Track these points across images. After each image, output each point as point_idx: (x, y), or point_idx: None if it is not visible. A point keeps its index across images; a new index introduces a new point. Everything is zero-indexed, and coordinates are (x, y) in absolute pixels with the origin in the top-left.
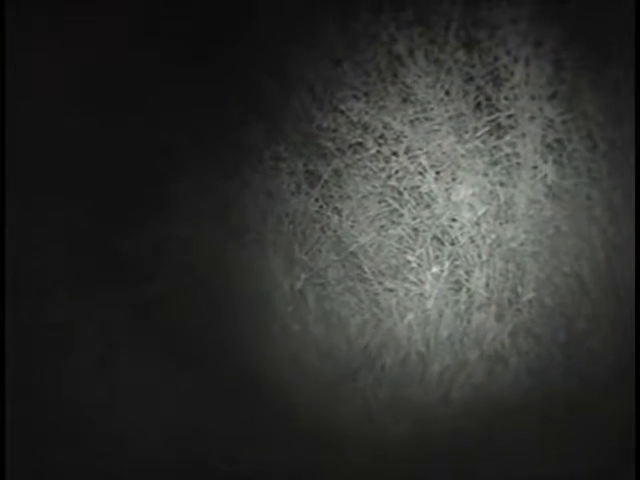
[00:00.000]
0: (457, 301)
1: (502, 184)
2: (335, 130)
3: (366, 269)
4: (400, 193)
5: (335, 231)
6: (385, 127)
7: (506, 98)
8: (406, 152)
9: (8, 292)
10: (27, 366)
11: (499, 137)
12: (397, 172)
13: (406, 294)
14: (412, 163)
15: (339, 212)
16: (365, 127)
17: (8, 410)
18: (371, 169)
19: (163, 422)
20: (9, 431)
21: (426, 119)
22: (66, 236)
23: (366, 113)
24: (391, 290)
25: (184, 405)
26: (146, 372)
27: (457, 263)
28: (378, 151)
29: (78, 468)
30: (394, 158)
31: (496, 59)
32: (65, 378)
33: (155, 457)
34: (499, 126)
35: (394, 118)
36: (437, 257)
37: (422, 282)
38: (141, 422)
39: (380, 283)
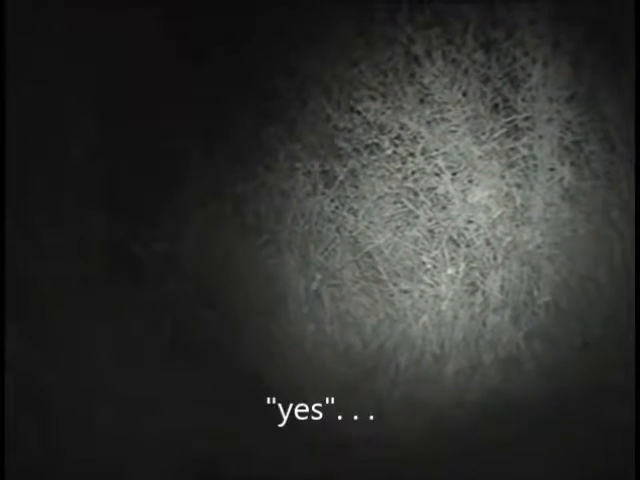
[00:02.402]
0: (472, 303)
1: (519, 186)
2: (351, 130)
3: (381, 270)
4: (416, 194)
5: (351, 232)
6: (402, 128)
7: (523, 100)
8: (422, 153)
9: (16, 295)
10: (32, 372)
11: (516, 139)
12: (413, 173)
13: (421, 295)
14: (428, 164)
15: (355, 212)
16: (382, 127)
17: (11, 415)
18: (387, 170)
19: (174, 425)
20: (11, 435)
21: (443, 120)
22: (76, 238)
23: (383, 113)
24: (406, 291)
25: (196, 407)
26: (158, 374)
27: (473, 265)
28: (394, 152)
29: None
30: (410, 159)
31: (514, 60)
32: (74, 383)
33: (165, 457)
34: (516, 128)
35: (411, 119)
36: (452, 259)
37: (437, 284)
38: (153, 426)
39: (395, 284)
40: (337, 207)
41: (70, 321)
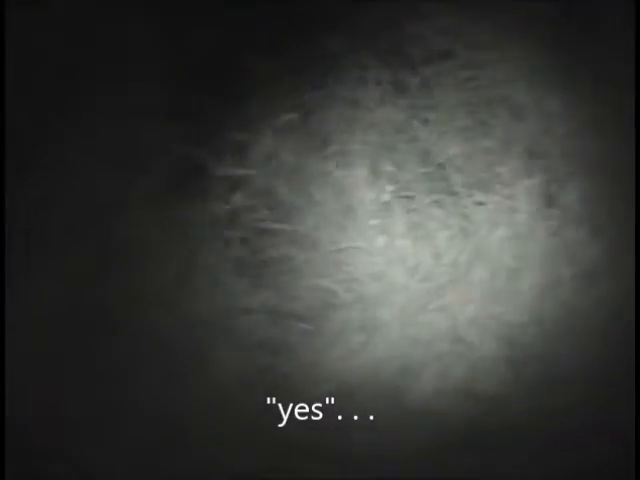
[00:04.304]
0: (550, 216)
1: None
2: (424, 37)
3: (455, 182)
4: (490, 103)
5: (423, 142)
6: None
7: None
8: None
9: (74, 204)
10: (97, 286)
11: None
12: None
13: (496, 208)
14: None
15: (427, 123)
16: (455, 34)
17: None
18: (461, 78)
19: (237, 339)
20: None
21: None
22: (139, 147)
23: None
24: (481, 204)
25: (258, 321)
26: (223, 290)
27: (550, 177)
28: (468, 59)
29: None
30: (485, 67)
31: None
32: (140, 298)
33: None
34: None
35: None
36: (529, 170)
37: (513, 196)
38: (218, 342)
39: (469, 196)
40: (408, 117)
41: (131, 237)
